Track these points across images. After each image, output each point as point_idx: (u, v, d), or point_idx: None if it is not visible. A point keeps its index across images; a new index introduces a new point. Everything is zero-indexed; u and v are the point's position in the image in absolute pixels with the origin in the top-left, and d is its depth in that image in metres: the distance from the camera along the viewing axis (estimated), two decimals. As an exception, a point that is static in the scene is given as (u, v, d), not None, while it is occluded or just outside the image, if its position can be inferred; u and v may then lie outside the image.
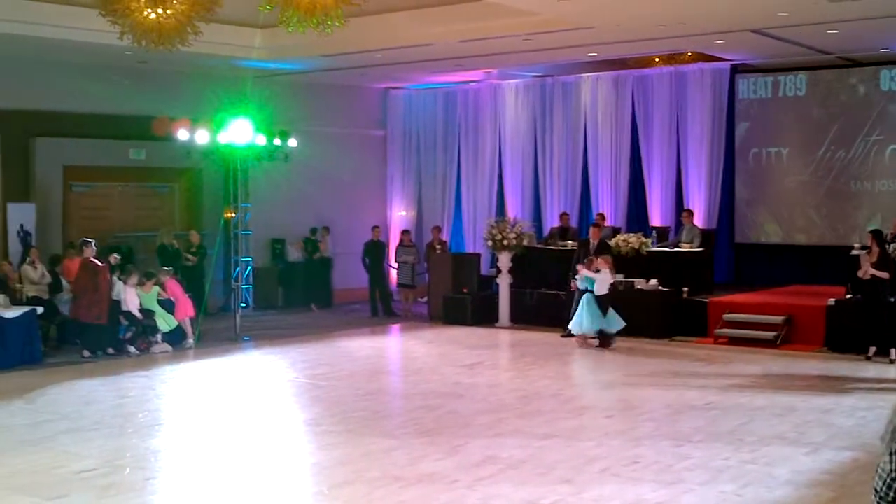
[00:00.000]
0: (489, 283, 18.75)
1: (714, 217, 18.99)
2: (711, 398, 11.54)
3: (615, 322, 15.40)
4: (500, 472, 8.36)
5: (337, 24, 11.03)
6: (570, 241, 18.23)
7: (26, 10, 14.76)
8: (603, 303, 15.33)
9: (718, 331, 15.85)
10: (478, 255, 19.72)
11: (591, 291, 15.34)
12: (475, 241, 21.16)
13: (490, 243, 17.84)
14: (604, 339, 15.42)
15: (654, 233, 18.01)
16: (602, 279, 15.39)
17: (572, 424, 10.28)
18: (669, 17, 14.44)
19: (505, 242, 17.57)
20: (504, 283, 17.89)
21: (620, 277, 16.22)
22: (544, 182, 20.92)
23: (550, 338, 16.39)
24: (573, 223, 19.72)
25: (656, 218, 19.41)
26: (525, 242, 17.85)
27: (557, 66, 19.90)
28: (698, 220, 18.25)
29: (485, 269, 19.59)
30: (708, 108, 18.96)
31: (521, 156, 21.21)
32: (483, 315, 18.10)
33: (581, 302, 15.37)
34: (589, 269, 15.49)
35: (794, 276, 18.18)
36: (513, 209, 20.72)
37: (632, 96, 19.79)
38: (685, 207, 18.56)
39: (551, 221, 20.30)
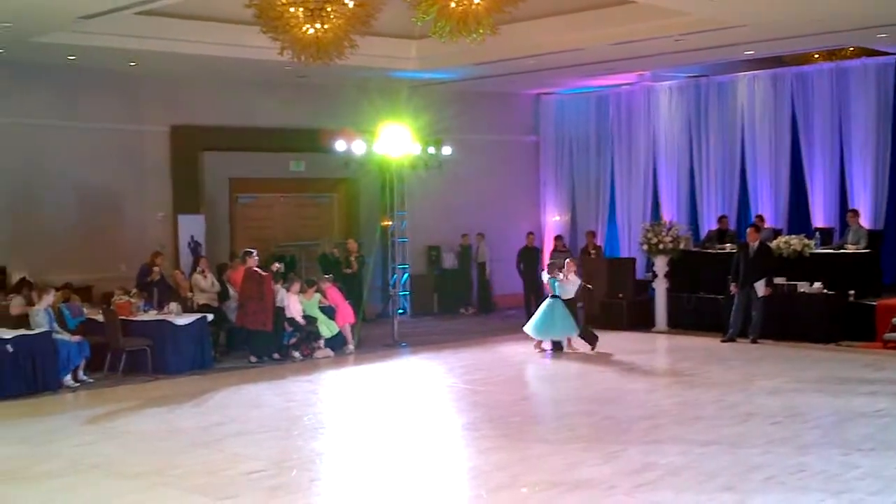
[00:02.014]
0: (645, 288, 18.53)
1: (881, 217, 18.25)
2: (882, 405, 11.09)
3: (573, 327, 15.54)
4: (660, 479, 8.26)
5: (489, 32, 11.15)
6: (728, 244, 17.84)
7: (193, 29, 15.52)
8: (570, 307, 15.37)
9: (888, 335, 15.20)
10: (633, 260, 19.51)
11: (558, 296, 15.34)
12: (630, 246, 20.94)
13: (645, 247, 17.64)
14: (557, 345, 15.51)
15: (816, 234, 17.44)
16: (570, 284, 15.44)
17: (735, 431, 10.05)
18: (825, 12, 13.98)
19: (661, 246, 17.34)
20: (660, 287, 17.65)
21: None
22: (700, 184, 20.53)
23: (709, 342, 16.08)
24: (731, 226, 19.28)
25: (819, 219, 18.79)
26: (681, 246, 17.58)
27: (712, 66, 19.54)
28: (864, 221, 17.58)
29: (640, 273, 19.37)
30: (872, 105, 18.26)
31: (676, 158, 20.89)
32: (639, 320, 17.91)
33: (548, 307, 15.38)
34: (556, 273, 15.49)
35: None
36: (668, 212, 20.42)
37: (790, 94, 19.24)
38: (850, 207, 17.91)
39: (708, 224, 19.90)
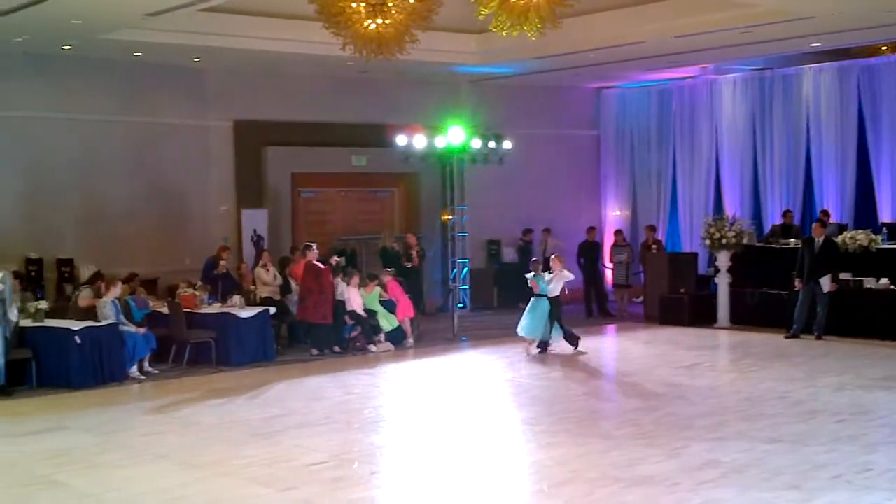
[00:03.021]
0: (707, 283, 18.35)
1: (953, 212, 17.87)
2: (951, 404, 10.89)
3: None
4: (723, 477, 8.18)
5: (550, 26, 11.10)
6: (793, 239, 17.59)
7: (256, 25, 15.71)
8: (556, 306, 14.86)
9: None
10: (695, 255, 19.34)
11: (545, 295, 14.81)
12: (692, 240, 20.75)
13: (708, 242, 17.46)
14: (543, 345, 14.99)
15: (883, 229, 17.10)
16: (558, 280, 14.85)
17: (800, 429, 9.91)
18: (893, 3, 13.70)
19: (724, 241, 17.16)
20: (723, 282, 17.47)
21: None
22: (764, 178, 20.26)
23: (773, 339, 15.88)
24: (796, 220, 19.01)
25: (886, 214, 18.44)
26: (745, 241, 17.38)
27: (777, 59, 19.27)
28: (935, 216, 17.23)
29: (702, 268, 19.19)
30: (941, 97, 17.87)
31: (739, 152, 20.63)
32: (701, 315, 17.73)
33: (539, 307, 14.86)
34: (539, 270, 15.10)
35: None
36: (731, 207, 20.15)
37: (857, 87, 18.90)
38: (919, 202, 17.56)
39: (772, 219, 19.65)
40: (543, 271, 15.16)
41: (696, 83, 21.27)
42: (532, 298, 15.04)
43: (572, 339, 15.04)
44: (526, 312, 15.05)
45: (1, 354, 12.32)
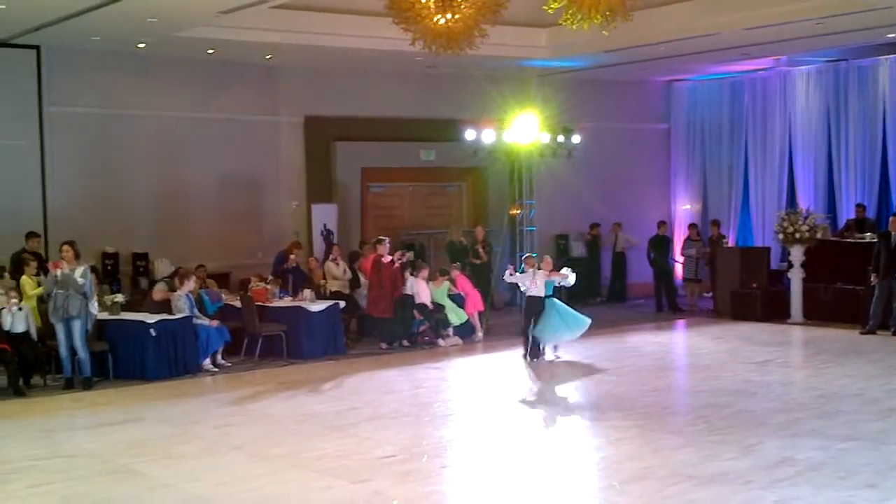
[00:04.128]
0: (780, 278, 18.09)
1: None
2: None
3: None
4: (798, 475, 8.07)
5: (621, 18, 11.03)
6: (868, 234, 17.26)
7: (326, 21, 15.87)
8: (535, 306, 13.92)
9: None
10: (767, 249, 19.08)
11: (552, 296, 14.01)
12: (764, 235, 20.47)
13: (781, 236, 17.23)
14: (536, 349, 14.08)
15: (963, 223, 16.69)
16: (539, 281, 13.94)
17: (877, 427, 9.73)
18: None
19: (797, 235, 16.91)
20: (796, 277, 17.21)
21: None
22: (839, 172, 19.87)
23: (847, 334, 15.62)
24: (870, 214, 18.64)
25: (966, 208, 18.01)
26: (819, 235, 17.11)
27: (852, 50, 18.87)
28: None
29: (774, 263, 18.93)
30: None
31: (812, 145, 20.27)
32: (773, 311, 17.51)
33: (552, 309, 13.91)
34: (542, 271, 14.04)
35: None
36: (804, 200, 19.83)
37: (936, 78, 18.46)
38: None
39: (846, 213, 19.28)
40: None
41: (769, 75, 20.96)
42: (552, 301, 14.08)
43: (534, 351, 14.04)
44: (552, 319, 13.91)
45: (84, 347, 12.63)
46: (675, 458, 8.72)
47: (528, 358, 14.05)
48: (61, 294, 12.46)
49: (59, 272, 12.48)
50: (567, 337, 14.13)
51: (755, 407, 10.79)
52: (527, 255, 15.25)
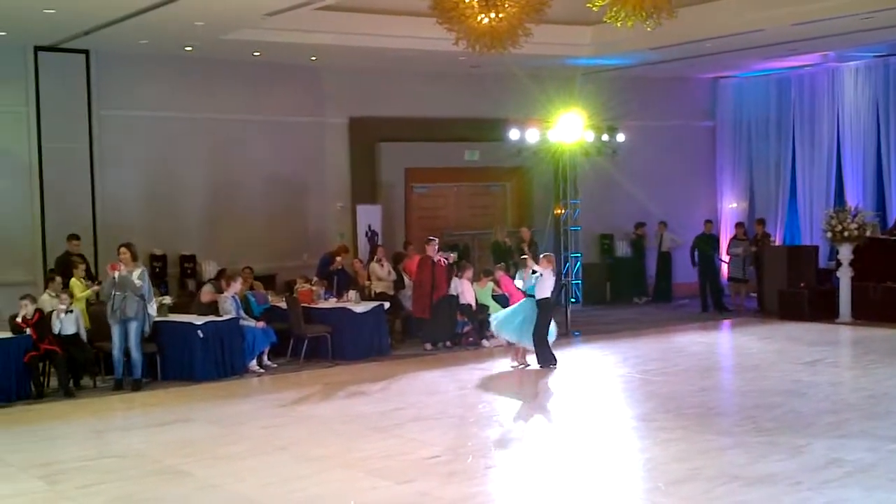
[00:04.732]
0: (828, 277, 17.88)
1: None
2: None
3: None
4: (848, 476, 7.97)
5: (666, 15, 10.96)
6: (919, 232, 17.04)
7: (370, 23, 15.94)
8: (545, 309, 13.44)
9: None
10: (815, 248, 18.86)
11: (533, 296, 13.44)
12: (812, 233, 20.22)
13: (829, 235, 17.03)
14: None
15: None
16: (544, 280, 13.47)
17: (927, 428, 9.61)
18: None
19: (846, 233, 16.72)
20: (845, 276, 17.01)
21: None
22: (888, 168, 19.59)
23: (898, 335, 15.41)
24: (922, 212, 18.39)
25: None
26: (868, 233, 16.89)
27: (901, 45, 18.60)
28: None
29: (822, 261, 18.70)
30: None
31: (861, 141, 19.99)
32: (821, 310, 17.32)
33: (527, 309, 13.46)
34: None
35: None
36: (853, 198, 19.56)
37: None
38: None
39: (896, 211, 19.03)
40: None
41: (817, 71, 20.70)
42: (529, 301, 13.59)
43: (546, 360, 13.54)
44: (522, 317, 13.52)
45: (138, 348, 12.80)
46: (723, 459, 8.65)
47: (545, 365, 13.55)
48: (119, 296, 12.63)
49: (116, 274, 12.65)
50: (513, 339, 13.62)
51: (804, 408, 10.67)
52: (547, 254, 14.62)
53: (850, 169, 20.20)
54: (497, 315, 14.07)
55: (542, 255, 14.19)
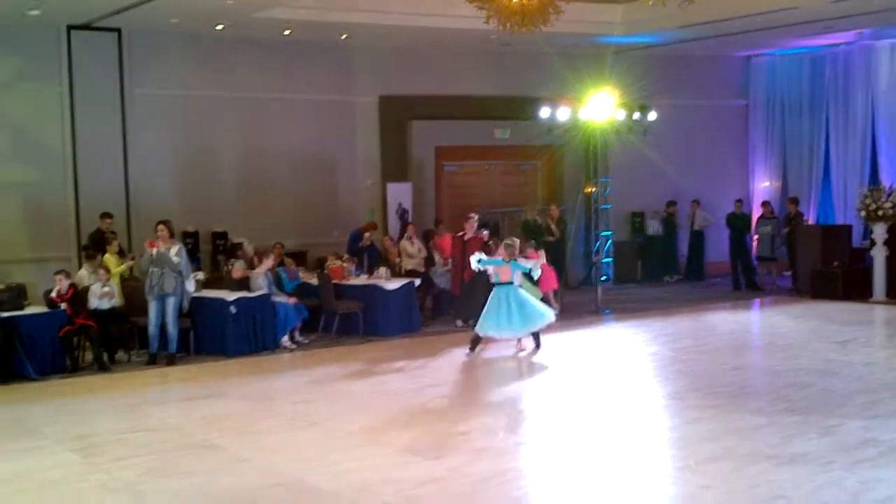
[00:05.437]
0: (862, 256, 17.73)
1: None
2: None
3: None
4: (881, 456, 7.93)
5: (699, -6, 10.88)
6: (955, 211, 16.82)
7: (401, 1, 15.87)
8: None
9: None
10: (849, 227, 18.70)
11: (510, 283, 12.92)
12: (846, 212, 20.04)
13: (864, 214, 16.90)
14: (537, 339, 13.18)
15: None
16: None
17: (962, 408, 9.54)
18: None
19: (880, 213, 16.59)
20: (879, 255, 16.87)
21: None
22: (924, 148, 19.39)
23: (933, 315, 15.27)
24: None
25: None
26: (902, 212, 16.72)
27: (939, 21, 18.32)
28: None
29: (856, 240, 18.55)
30: None
31: (896, 120, 19.77)
32: (855, 289, 17.18)
33: (512, 297, 12.83)
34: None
35: None
36: (888, 177, 19.33)
37: None
38: None
39: (932, 189, 18.78)
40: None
41: (852, 49, 20.44)
42: (495, 288, 13.01)
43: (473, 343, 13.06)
44: (500, 307, 12.85)
45: (175, 323, 12.95)
46: (754, 437, 8.63)
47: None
48: (156, 272, 12.82)
49: (154, 251, 12.80)
50: (508, 335, 13.04)
51: (837, 387, 10.62)
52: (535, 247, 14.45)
53: (885, 148, 19.96)
54: (480, 323, 13.01)
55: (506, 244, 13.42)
